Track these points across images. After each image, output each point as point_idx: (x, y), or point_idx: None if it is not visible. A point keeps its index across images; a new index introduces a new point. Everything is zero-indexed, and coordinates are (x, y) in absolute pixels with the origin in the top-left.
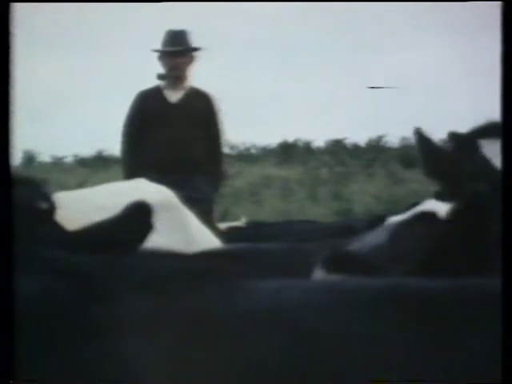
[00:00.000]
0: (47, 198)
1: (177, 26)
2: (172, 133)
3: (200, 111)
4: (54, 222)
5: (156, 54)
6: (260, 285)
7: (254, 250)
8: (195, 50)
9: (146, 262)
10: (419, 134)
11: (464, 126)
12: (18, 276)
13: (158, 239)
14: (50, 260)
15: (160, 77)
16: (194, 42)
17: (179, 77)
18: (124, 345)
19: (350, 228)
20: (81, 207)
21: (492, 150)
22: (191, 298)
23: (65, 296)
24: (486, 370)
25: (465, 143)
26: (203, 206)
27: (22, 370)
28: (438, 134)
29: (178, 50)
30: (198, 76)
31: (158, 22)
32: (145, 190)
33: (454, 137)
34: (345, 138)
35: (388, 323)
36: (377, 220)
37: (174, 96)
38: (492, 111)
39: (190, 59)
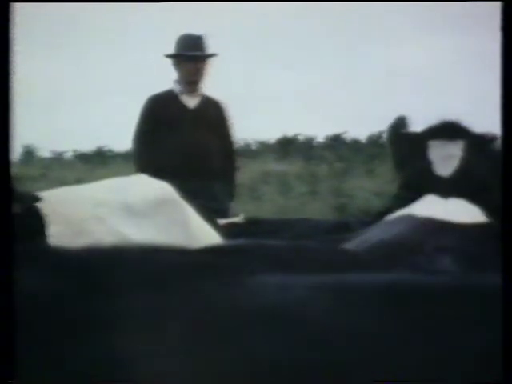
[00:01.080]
0: (23, 196)
1: (176, 26)
2: (191, 139)
3: (214, 119)
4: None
5: (149, 55)
6: (263, 281)
7: (257, 246)
8: (213, 55)
9: (148, 257)
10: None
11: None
12: (18, 272)
13: (158, 235)
14: (50, 255)
15: (187, 82)
16: (210, 47)
17: (196, 82)
18: (126, 342)
19: (347, 225)
20: (80, 202)
21: (437, 154)
22: (193, 294)
23: (65, 292)
24: (486, 370)
25: (415, 143)
26: (219, 215)
27: (22, 369)
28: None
29: (202, 55)
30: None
31: (158, 22)
32: (145, 185)
33: (405, 136)
34: (344, 132)
35: (388, 321)
36: (377, 216)
37: (190, 102)
38: (492, 111)
39: (207, 65)
